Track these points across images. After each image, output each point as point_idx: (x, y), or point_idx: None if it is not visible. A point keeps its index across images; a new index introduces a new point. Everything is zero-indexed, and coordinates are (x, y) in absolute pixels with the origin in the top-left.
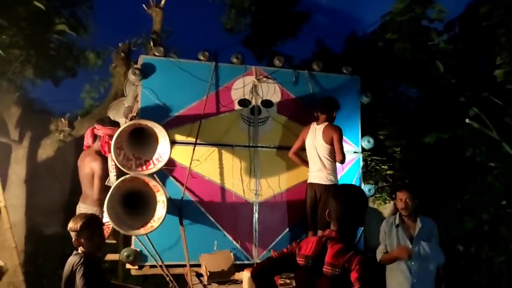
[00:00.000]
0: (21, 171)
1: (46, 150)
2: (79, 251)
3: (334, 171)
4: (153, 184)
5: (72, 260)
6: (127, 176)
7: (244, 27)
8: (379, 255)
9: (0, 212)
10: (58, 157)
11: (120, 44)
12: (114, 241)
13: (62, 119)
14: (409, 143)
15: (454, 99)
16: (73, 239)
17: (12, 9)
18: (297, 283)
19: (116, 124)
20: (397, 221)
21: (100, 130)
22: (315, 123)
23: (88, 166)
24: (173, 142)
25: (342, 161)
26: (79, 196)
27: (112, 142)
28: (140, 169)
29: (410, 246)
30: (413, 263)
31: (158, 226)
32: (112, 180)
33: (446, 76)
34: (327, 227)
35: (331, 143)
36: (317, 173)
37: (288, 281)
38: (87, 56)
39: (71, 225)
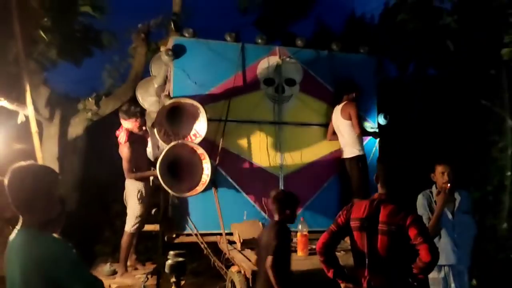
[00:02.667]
0: (54, 148)
1: (76, 128)
2: (276, 218)
3: (356, 144)
4: (201, 152)
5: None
6: (179, 141)
7: (258, 8)
8: None
9: None
10: (87, 136)
11: (139, 26)
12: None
13: (90, 99)
14: (421, 119)
15: (464, 76)
16: (275, 207)
17: None
18: (353, 243)
19: (137, 114)
20: (435, 195)
21: (124, 122)
22: (338, 105)
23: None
24: None
25: (360, 134)
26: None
27: (155, 119)
28: None
29: (452, 219)
30: (456, 235)
31: (201, 191)
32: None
33: (455, 54)
34: (359, 195)
35: (349, 118)
36: (343, 148)
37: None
38: (104, 38)
39: (279, 196)
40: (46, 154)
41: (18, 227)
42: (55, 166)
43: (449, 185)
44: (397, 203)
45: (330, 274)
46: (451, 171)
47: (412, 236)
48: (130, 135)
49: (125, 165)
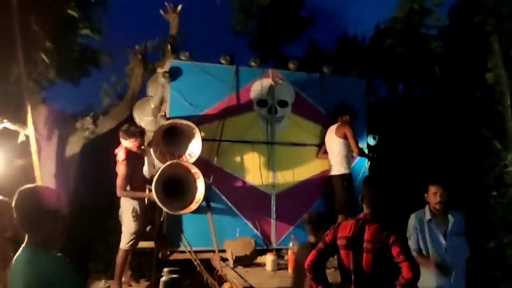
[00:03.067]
0: (51, 166)
1: (73, 147)
2: (311, 240)
3: (343, 162)
4: (195, 171)
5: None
6: (174, 161)
7: (251, 30)
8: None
9: None
10: (83, 153)
11: (137, 47)
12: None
13: (88, 118)
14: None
15: (450, 98)
16: (310, 229)
17: (46, 16)
18: (340, 261)
19: (137, 134)
20: (428, 216)
21: (124, 141)
22: (332, 125)
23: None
24: None
25: (359, 153)
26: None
27: (152, 139)
28: None
29: (444, 241)
30: (448, 257)
31: (195, 209)
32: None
33: (442, 78)
34: (342, 211)
35: (343, 137)
36: (332, 165)
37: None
38: (101, 57)
39: (313, 218)
40: (44, 172)
41: (23, 245)
42: (51, 184)
43: (437, 204)
44: (381, 222)
45: None
46: (444, 191)
47: (395, 254)
48: (129, 153)
49: (118, 182)
